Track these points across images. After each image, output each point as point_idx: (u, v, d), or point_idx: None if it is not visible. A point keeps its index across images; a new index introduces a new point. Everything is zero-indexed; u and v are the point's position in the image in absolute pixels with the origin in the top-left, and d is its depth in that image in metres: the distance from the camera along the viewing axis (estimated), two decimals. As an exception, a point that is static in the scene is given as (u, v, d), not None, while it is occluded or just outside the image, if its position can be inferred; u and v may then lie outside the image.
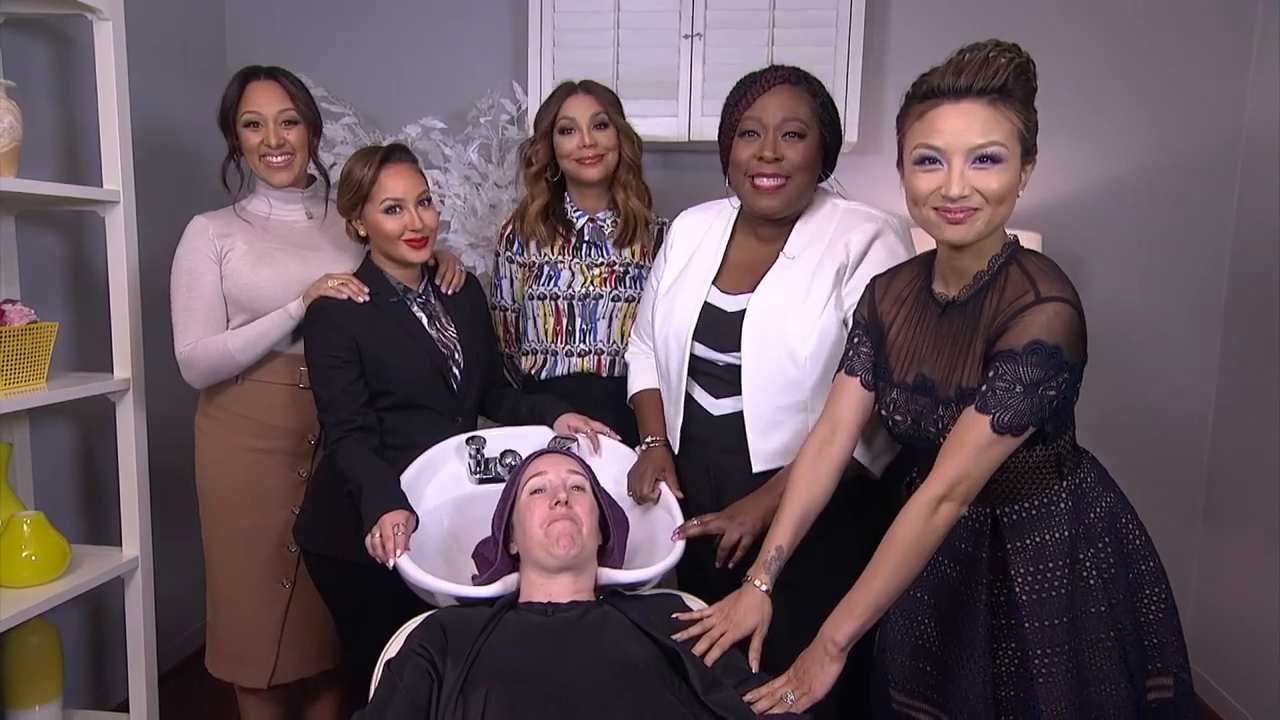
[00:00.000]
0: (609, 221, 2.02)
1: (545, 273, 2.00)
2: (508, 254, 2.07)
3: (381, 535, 1.50)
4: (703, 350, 1.66)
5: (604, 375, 1.99)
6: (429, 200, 1.77)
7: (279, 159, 1.89)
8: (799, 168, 1.58)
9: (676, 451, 1.72)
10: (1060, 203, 2.63)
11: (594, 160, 1.95)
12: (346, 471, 1.63)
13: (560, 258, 2.00)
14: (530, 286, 2.01)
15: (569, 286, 1.98)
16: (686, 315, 1.67)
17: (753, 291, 1.62)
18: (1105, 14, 2.58)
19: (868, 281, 1.52)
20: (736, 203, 1.71)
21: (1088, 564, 1.30)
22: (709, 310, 1.67)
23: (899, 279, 1.43)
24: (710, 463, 1.67)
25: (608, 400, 1.95)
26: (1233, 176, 2.57)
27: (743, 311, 1.62)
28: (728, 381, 1.64)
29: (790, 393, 1.59)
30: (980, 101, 1.21)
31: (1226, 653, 2.49)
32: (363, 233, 1.78)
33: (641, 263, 2.01)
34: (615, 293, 1.98)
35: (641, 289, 1.96)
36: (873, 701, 1.50)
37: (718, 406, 1.65)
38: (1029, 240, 2.19)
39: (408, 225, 1.72)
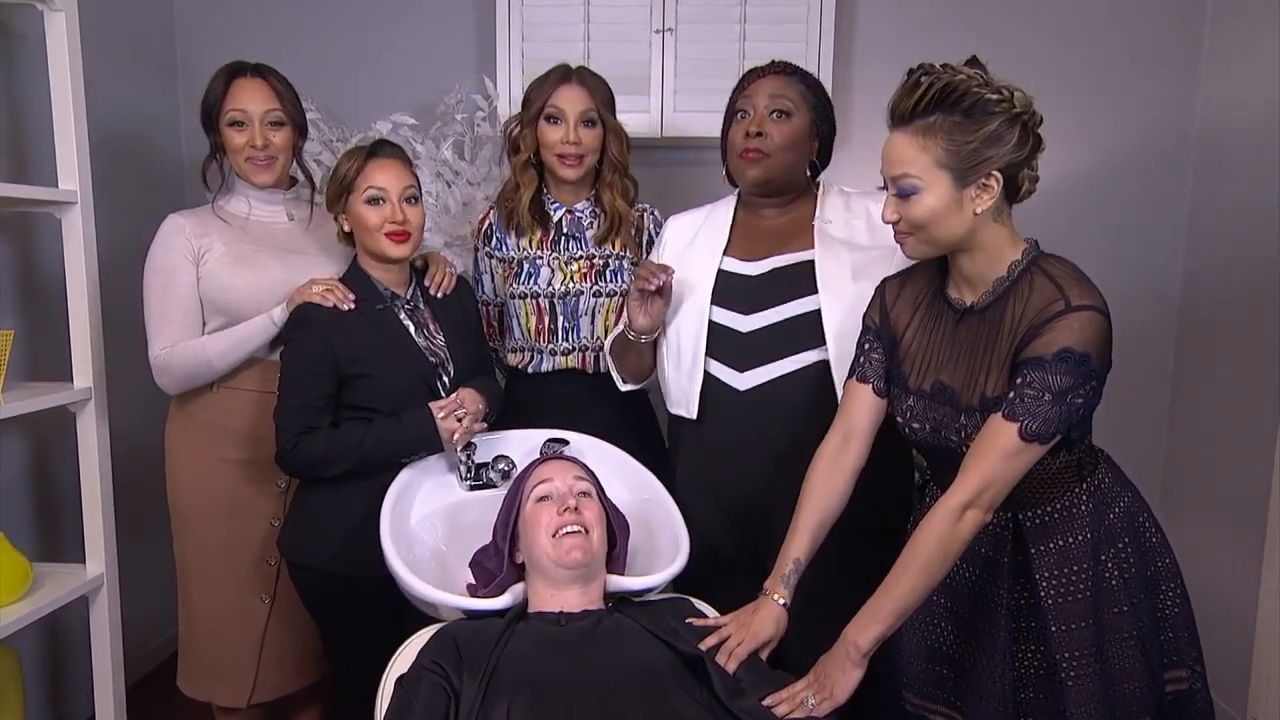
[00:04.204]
0: (587, 213, 1.98)
1: (525, 269, 1.95)
2: (486, 249, 2.02)
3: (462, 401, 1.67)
4: (723, 315, 1.65)
5: (589, 371, 1.96)
6: (416, 198, 1.72)
7: (263, 160, 1.81)
8: (781, 147, 1.64)
9: (694, 424, 1.66)
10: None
11: (574, 162, 1.90)
12: (330, 450, 1.63)
13: (539, 252, 1.96)
14: (511, 285, 1.96)
15: (549, 284, 1.94)
16: (702, 282, 1.67)
17: (770, 257, 1.65)
18: (1060, 10, 2.63)
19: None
20: (732, 199, 1.76)
21: (1109, 564, 1.31)
22: (726, 277, 1.67)
23: (911, 283, 1.42)
24: (735, 444, 1.63)
25: (595, 396, 1.93)
26: (1185, 169, 2.65)
27: (770, 273, 1.64)
28: (754, 350, 1.62)
29: None
30: (907, 131, 1.24)
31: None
32: (348, 228, 1.72)
33: (622, 254, 1.97)
34: (596, 288, 1.95)
35: (623, 282, 1.95)
36: (882, 702, 1.50)
37: (744, 380, 1.62)
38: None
39: (388, 218, 1.67)
